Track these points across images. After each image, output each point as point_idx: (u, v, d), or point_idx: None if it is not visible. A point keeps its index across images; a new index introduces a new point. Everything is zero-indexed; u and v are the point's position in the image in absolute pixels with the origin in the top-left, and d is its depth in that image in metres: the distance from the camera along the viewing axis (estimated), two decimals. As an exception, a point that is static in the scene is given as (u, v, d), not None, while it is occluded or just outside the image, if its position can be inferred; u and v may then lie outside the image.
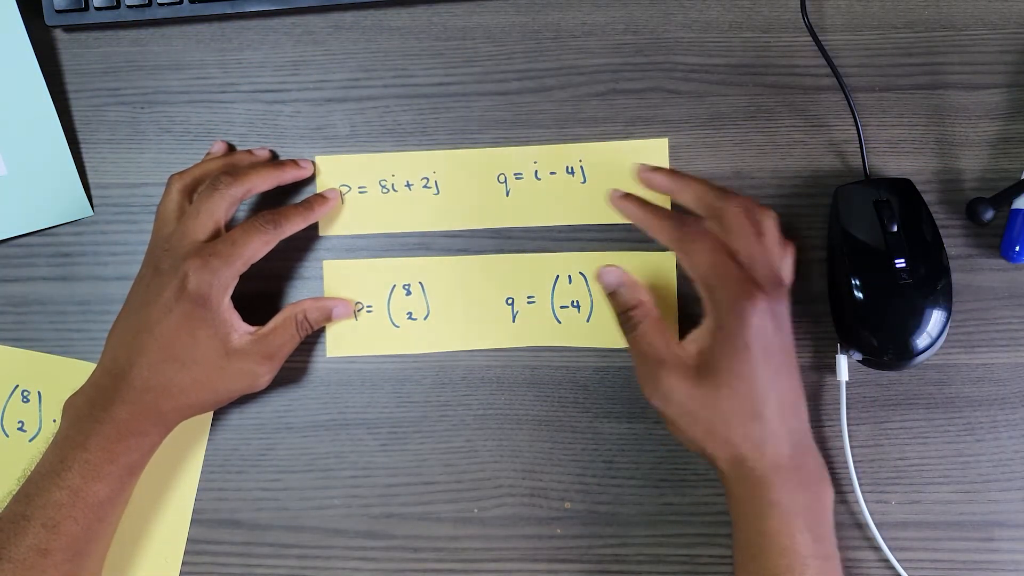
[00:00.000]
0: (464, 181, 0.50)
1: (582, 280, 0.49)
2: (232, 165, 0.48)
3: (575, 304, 0.49)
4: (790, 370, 0.41)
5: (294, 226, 0.47)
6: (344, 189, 0.51)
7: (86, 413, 0.43)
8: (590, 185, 0.50)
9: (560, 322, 0.49)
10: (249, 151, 0.50)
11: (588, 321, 0.49)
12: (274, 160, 0.50)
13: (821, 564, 0.39)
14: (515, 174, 0.50)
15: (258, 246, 0.45)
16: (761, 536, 0.39)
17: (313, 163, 0.51)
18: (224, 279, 0.44)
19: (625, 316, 0.44)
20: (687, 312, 0.48)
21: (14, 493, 0.42)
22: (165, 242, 0.45)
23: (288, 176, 0.49)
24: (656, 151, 0.50)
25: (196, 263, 0.43)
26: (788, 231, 0.49)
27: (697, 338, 0.41)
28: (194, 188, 0.47)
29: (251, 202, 0.51)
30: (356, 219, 0.50)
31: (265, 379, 0.46)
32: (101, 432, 0.42)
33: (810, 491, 0.40)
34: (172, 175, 0.48)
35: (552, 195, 0.50)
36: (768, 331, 0.39)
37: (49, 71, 0.51)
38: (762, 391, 0.39)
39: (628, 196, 0.46)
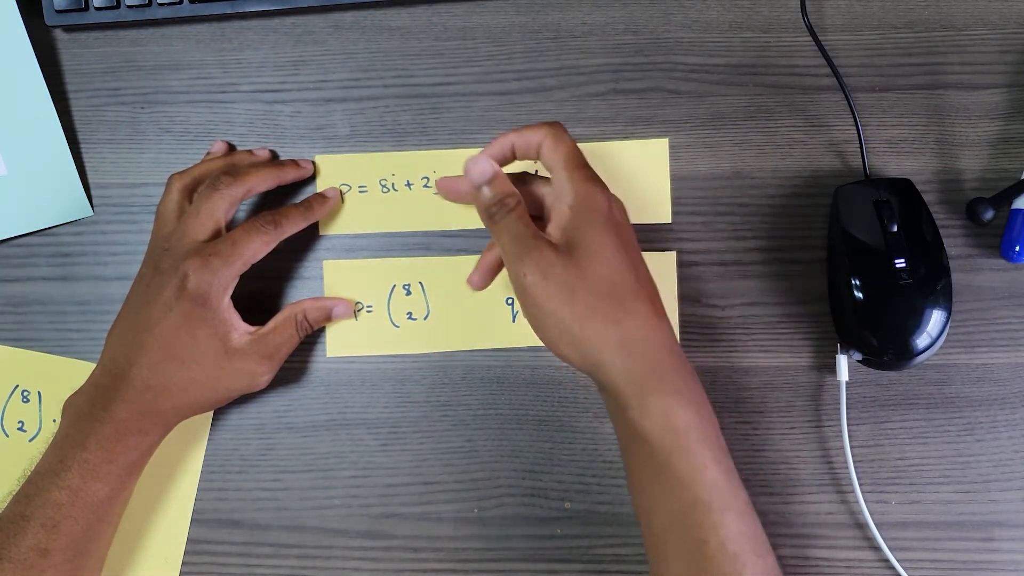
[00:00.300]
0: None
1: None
2: (232, 165, 0.48)
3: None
4: (639, 252, 0.42)
5: (294, 226, 0.47)
6: (344, 189, 0.51)
7: (86, 412, 0.43)
8: (590, 185, 0.50)
9: (560, 322, 0.49)
10: (249, 151, 0.50)
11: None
12: (274, 160, 0.50)
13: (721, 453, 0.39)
14: (515, 174, 0.50)
15: (258, 246, 0.45)
16: (663, 432, 0.38)
17: (313, 163, 0.51)
18: (224, 279, 0.44)
19: (500, 203, 0.42)
20: (688, 312, 0.48)
21: (14, 493, 0.42)
22: (165, 242, 0.45)
23: (288, 176, 0.49)
24: (656, 151, 0.50)
25: (196, 263, 0.43)
26: (788, 231, 0.49)
27: (555, 219, 0.41)
28: (194, 188, 0.47)
29: (251, 202, 0.51)
30: (356, 219, 0.50)
31: (264, 379, 0.46)
32: (101, 431, 0.42)
33: (689, 373, 0.40)
34: (172, 175, 0.48)
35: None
36: (616, 211, 0.41)
37: (49, 71, 0.51)
38: (631, 263, 0.40)
39: (500, 136, 0.44)
